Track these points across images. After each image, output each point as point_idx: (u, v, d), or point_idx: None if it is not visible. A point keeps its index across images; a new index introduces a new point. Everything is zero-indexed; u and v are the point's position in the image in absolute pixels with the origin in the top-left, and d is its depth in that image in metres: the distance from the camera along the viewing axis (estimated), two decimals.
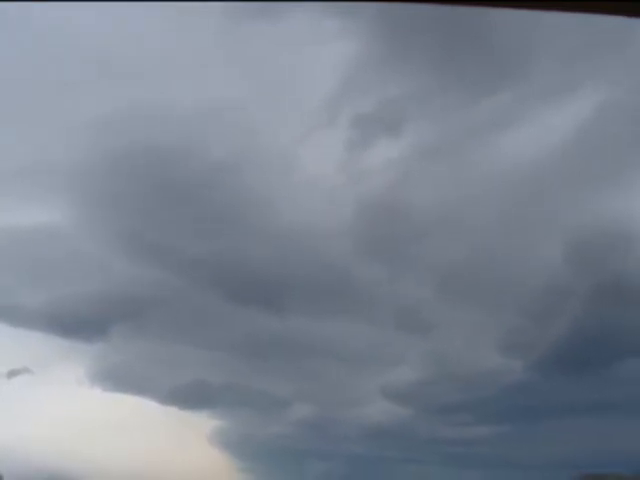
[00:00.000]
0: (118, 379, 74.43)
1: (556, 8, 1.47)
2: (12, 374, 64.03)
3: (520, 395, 71.41)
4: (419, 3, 1.56)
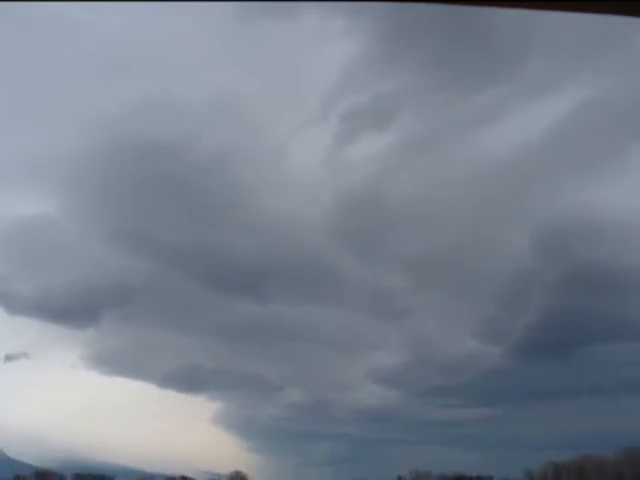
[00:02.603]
0: (112, 363, 74.36)
1: (554, 8, 1.46)
2: (9, 359, 64.00)
3: (501, 379, 71.64)
4: (422, 3, 1.54)
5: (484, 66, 74.30)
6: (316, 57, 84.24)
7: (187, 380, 73.42)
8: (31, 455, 62.27)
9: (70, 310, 72.71)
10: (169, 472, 59.04)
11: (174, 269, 77.31)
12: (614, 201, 69.18)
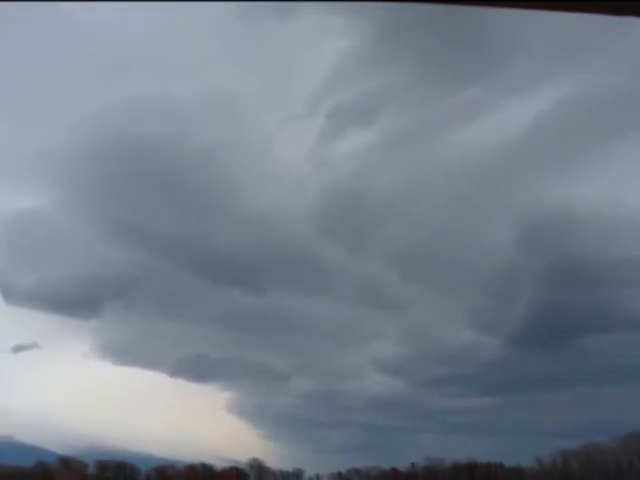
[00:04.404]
0: (123, 353, 76.72)
1: (551, 8, 1.46)
2: (20, 349, 65.90)
3: (500, 369, 74.38)
4: (420, 2, 1.55)
5: (469, 63, 76.51)
6: (311, 56, 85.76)
7: (196, 369, 75.06)
8: (53, 442, 63.46)
9: (72, 302, 74.26)
10: (188, 459, 60.60)
11: (168, 261, 79.15)
12: (593, 195, 71.95)
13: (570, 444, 54.26)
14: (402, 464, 59.63)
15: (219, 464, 60.13)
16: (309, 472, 60.63)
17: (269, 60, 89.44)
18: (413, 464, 58.48)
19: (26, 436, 67.61)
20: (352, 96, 79.64)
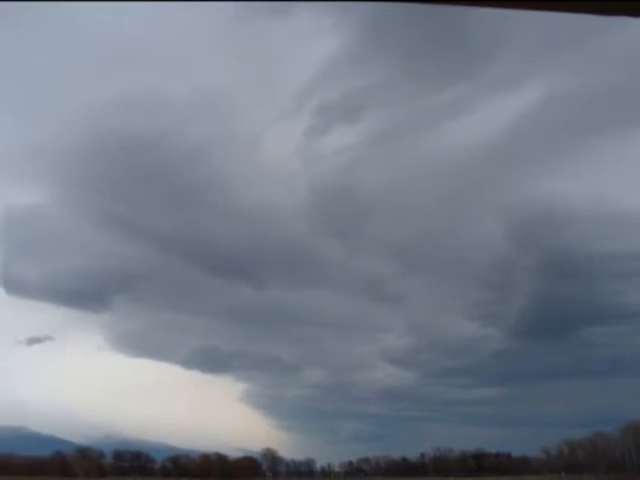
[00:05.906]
0: (136, 345, 78.09)
1: (540, 7, 1.40)
2: (31, 342, 67.19)
3: (506, 361, 75.54)
4: (405, 2, 1.51)
5: (456, 63, 77.29)
6: (302, 54, 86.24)
7: (209, 361, 76.30)
8: (70, 433, 64.75)
9: (81, 295, 75.67)
10: (203, 449, 61.84)
11: (168, 256, 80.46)
12: (577, 192, 72.86)
13: (576, 434, 55.49)
14: (411, 454, 60.97)
15: (233, 454, 61.29)
16: (321, 462, 61.91)
17: (261, 58, 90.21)
18: (422, 454, 59.74)
19: (43, 426, 68.99)
20: (339, 94, 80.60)
